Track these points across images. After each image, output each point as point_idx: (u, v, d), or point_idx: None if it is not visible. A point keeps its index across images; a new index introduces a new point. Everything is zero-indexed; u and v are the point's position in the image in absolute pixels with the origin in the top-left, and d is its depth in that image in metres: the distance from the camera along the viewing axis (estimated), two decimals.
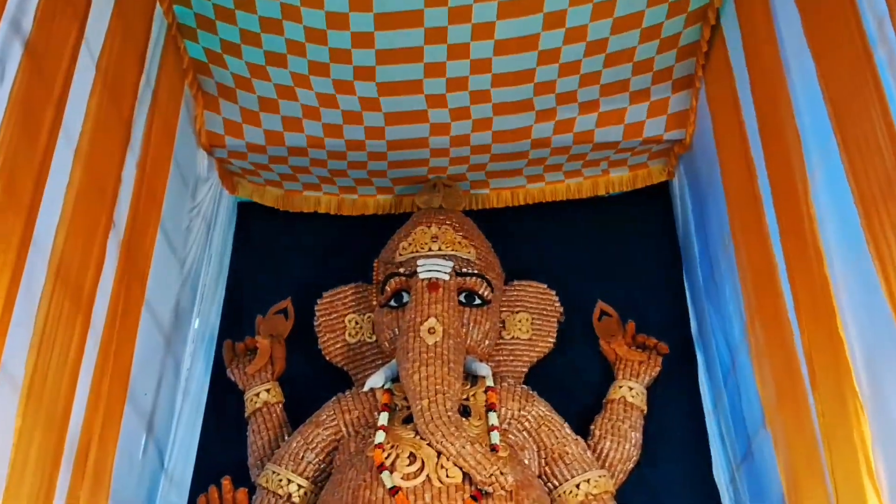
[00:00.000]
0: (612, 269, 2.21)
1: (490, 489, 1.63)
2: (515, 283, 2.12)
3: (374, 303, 2.03)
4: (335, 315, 2.12)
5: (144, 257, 1.84)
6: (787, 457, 1.62)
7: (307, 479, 1.85)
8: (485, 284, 1.95)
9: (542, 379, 2.02)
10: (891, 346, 1.27)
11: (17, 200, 1.33)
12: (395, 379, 1.85)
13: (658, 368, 2.01)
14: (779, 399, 1.67)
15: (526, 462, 1.81)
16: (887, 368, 1.29)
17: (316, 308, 2.14)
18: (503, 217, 2.31)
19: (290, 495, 1.82)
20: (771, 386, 1.70)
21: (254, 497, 1.84)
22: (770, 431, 1.71)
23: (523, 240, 2.26)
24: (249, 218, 2.37)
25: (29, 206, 1.36)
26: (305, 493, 1.83)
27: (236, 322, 2.19)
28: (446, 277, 1.89)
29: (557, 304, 2.11)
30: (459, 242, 2.00)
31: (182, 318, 2.08)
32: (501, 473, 1.62)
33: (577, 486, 1.80)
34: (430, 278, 1.88)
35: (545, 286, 2.13)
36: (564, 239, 2.27)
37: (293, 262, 2.29)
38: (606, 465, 1.87)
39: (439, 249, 1.97)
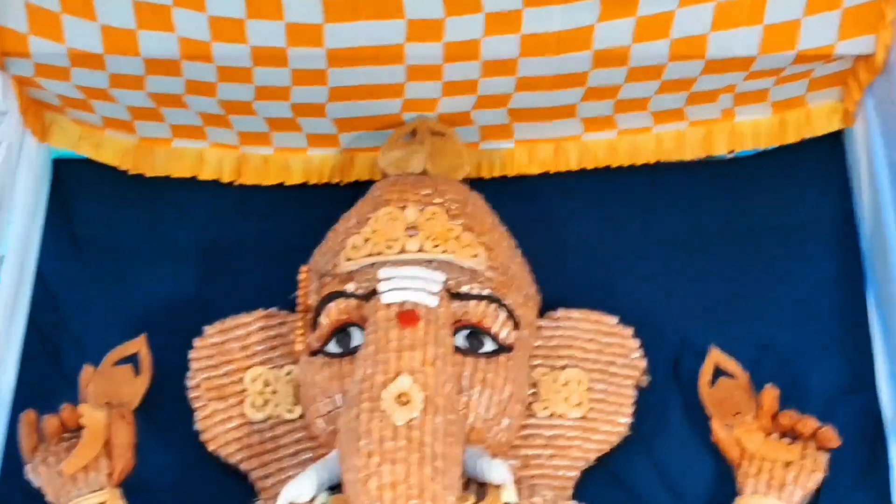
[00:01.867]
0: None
1: None
2: (560, 312, 2.09)
3: (300, 347, 2.00)
4: (226, 369, 2.08)
5: None
6: None
7: None
8: (504, 316, 1.94)
9: (604, 490, 2.01)
10: None
11: None
12: (335, 487, 1.83)
13: (819, 474, 1.93)
14: None
15: None
16: None
17: (191, 355, 2.08)
18: (539, 192, 2.29)
19: None
20: None
21: None
22: None
23: (575, 234, 2.24)
24: (75, 185, 2.33)
25: None
26: None
27: (46, 375, 2.15)
28: (433, 302, 1.88)
29: (636, 354, 2.06)
30: (458, 238, 1.98)
31: None
32: None
33: None
34: (403, 302, 1.87)
35: (614, 320, 2.08)
36: (650, 234, 2.24)
37: (154, 268, 2.25)
38: None
39: (420, 250, 1.96)
